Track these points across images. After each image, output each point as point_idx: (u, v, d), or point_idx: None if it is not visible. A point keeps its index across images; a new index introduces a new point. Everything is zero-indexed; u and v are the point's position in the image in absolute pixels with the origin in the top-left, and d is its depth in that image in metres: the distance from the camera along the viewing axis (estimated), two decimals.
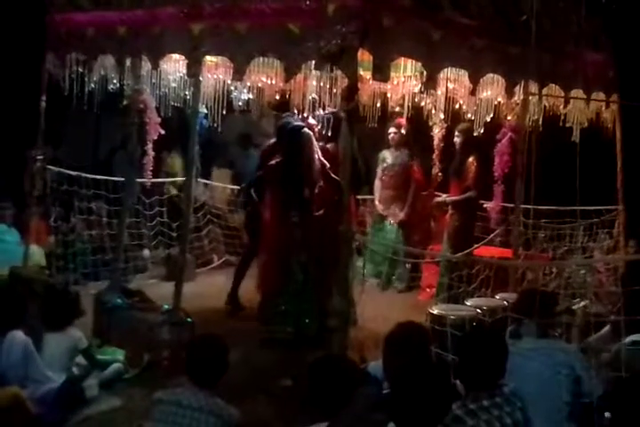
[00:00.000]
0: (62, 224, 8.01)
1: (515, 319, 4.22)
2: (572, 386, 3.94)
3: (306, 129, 6.26)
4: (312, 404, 3.36)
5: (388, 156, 8.25)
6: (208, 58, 5.73)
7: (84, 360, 5.22)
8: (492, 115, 6.78)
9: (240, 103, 6.96)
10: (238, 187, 8.97)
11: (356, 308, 6.07)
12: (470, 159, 7.29)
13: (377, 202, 8.30)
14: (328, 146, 6.28)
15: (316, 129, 6.35)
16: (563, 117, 6.91)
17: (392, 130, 8.12)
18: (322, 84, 5.84)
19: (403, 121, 7.97)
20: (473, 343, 3.46)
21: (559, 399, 3.90)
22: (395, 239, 8.08)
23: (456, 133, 7.45)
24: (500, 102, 6.79)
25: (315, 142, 6.29)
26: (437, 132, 8.16)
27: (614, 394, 3.47)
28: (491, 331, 4.14)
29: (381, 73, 4.98)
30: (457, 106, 6.90)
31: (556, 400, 3.89)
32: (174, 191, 9.03)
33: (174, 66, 6.25)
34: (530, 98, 6.06)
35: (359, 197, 7.86)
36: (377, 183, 8.29)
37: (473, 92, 5.94)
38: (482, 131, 6.77)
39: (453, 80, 6.08)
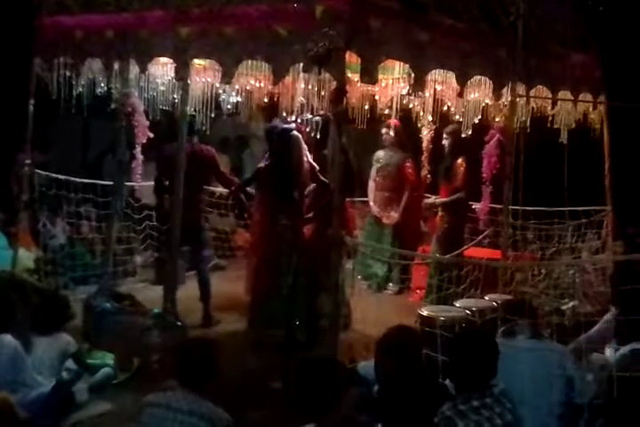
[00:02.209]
0: (51, 228, 7.97)
1: (506, 319, 4.22)
2: (563, 387, 3.95)
3: (294, 132, 6.26)
4: (301, 405, 3.36)
5: (381, 156, 8.25)
6: (196, 61, 5.74)
7: (73, 365, 5.19)
8: (479, 116, 6.81)
9: (229, 106, 6.97)
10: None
11: (350, 311, 6.08)
12: (459, 161, 7.30)
13: (371, 203, 8.28)
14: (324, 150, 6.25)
15: (305, 131, 6.36)
16: (550, 119, 6.94)
17: (384, 130, 8.11)
18: (310, 86, 5.86)
19: (395, 121, 7.96)
20: (463, 344, 3.47)
21: (551, 400, 3.91)
22: (391, 241, 8.08)
23: (444, 135, 7.47)
24: (487, 104, 6.82)
25: (303, 145, 6.30)
26: (426, 134, 8.17)
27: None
28: (480, 332, 4.16)
29: (369, 75, 4.99)
30: (445, 108, 6.93)
31: (548, 401, 3.90)
32: None
33: (162, 69, 6.26)
34: (517, 99, 6.07)
35: (350, 199, 7.86)
36: (371, 184, 8.28)
37: (461, 94, 5.97)
38: (470, 132, 6.79)
39: (441, 82, 6.11)
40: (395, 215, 8.10)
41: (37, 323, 5.15)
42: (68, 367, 5.12)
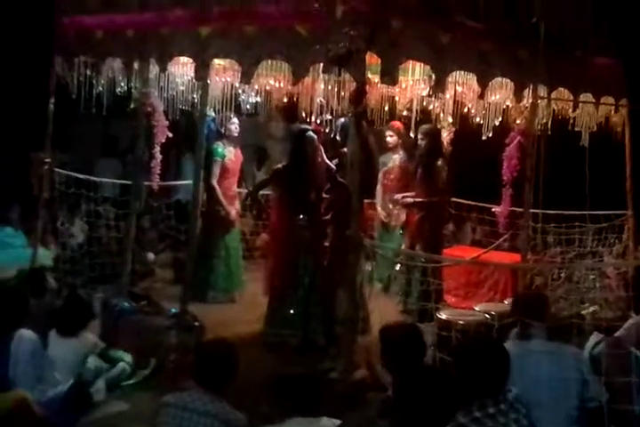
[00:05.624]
0: (70, 227, 8.00)
1: (521, 322, 4.18)
2: (580, 390, 3.91)
3: (309, 133, 6.24)
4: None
5: (387, 160, 8.09)
6: (216, 61, 5.73)
7: (92, 364, 5.20)
8: (500, 118, 6.75)
9: (248, 106, 6.97)
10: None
11: (368, 314, 6.03)
12: (439, 163, 7.11)
13: (378, 208, 7.96)
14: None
15: (323, 132, 6.33)
16: (572, 121, 6.87)
17: (388, 133, 7.97)
18: (330, 87, 5.84)
19: (397, 124, 7.83)
20: (472, 351, 3.42)
21: (568, 403, 3.88)
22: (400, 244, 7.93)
23: (419, 136, 7.24)
24: (508, 106, 6.77)
25: (319, 146, 6.27)
26: (446, 136, 8.06)
27: None
28: (489, 337, 4.13)
29: (389, 76, 4.96)
30: (465, 110, 6.89)
31: (565, 404, 3.87)
32: None
33: (182, 69, 6.26)
34: (539, 101, 6.02)
35: (369, 200, 7.76)
36: (379, 188, 8.10)
37: (481, 96, 5.91)
38: (490, 134, 6.72)
39: (462, 83, 6.08)
40: (403, 216, 7.85)
41: (62, 324, 5.15)
42: (87, 367, 5.14)
